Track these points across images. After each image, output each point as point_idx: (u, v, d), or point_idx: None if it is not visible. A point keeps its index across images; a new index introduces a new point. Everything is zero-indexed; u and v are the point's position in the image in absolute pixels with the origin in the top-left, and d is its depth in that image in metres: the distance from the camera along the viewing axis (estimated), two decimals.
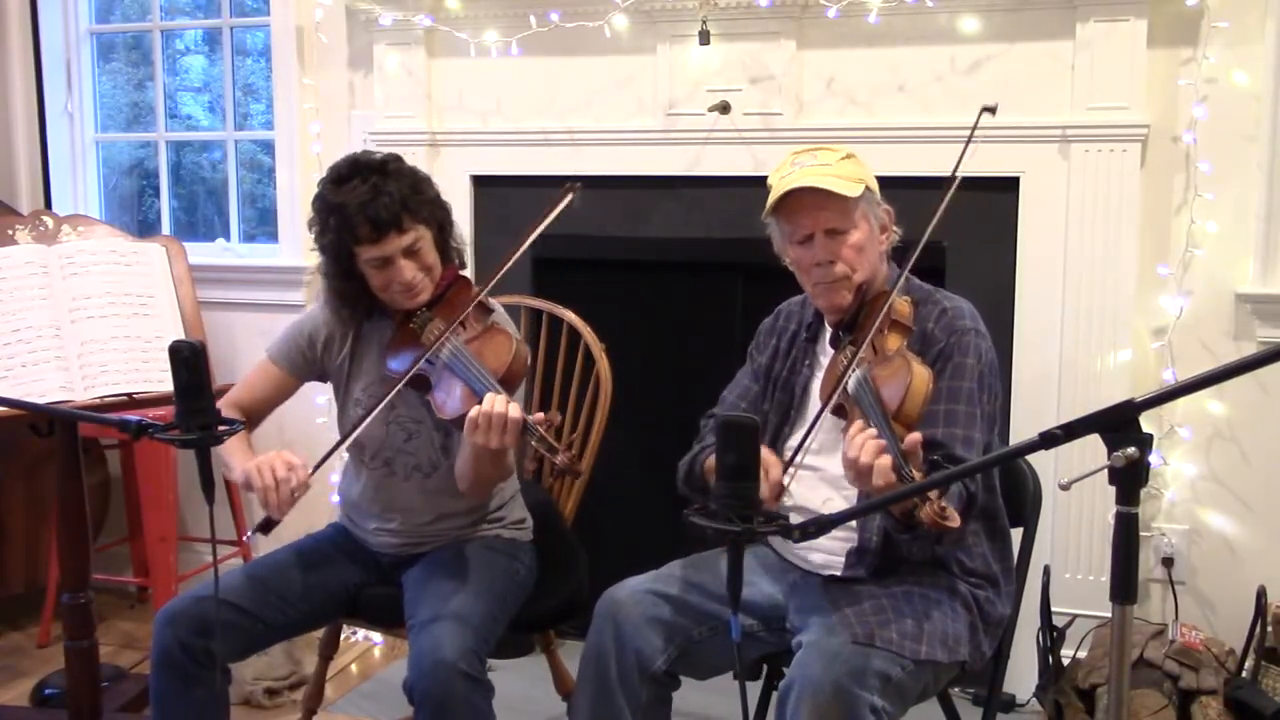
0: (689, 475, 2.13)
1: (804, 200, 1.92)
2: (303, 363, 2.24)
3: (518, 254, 2.11)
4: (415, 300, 2.12)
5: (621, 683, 1.92)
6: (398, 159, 2.14)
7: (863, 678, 1.71)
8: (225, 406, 2.21)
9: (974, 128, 1.95)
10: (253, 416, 2.25)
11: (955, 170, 1.91)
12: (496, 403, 1.90)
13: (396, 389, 2.06)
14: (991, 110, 1.96)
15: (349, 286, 2.15)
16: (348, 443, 2.10)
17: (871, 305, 1.95)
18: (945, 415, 1.88)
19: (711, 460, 2.06)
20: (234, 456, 2.11)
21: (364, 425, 2.07)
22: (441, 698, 1.89)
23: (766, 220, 2.03)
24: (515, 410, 1.90)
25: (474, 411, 1.91)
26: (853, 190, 1.92)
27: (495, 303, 2.23)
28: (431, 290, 2.13)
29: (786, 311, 2.20)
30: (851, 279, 1.95)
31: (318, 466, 2.02)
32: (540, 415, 1.92)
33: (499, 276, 2.12)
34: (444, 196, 2.21)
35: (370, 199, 2.02)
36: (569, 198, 2.10)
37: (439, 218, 2.15)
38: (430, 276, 2.12)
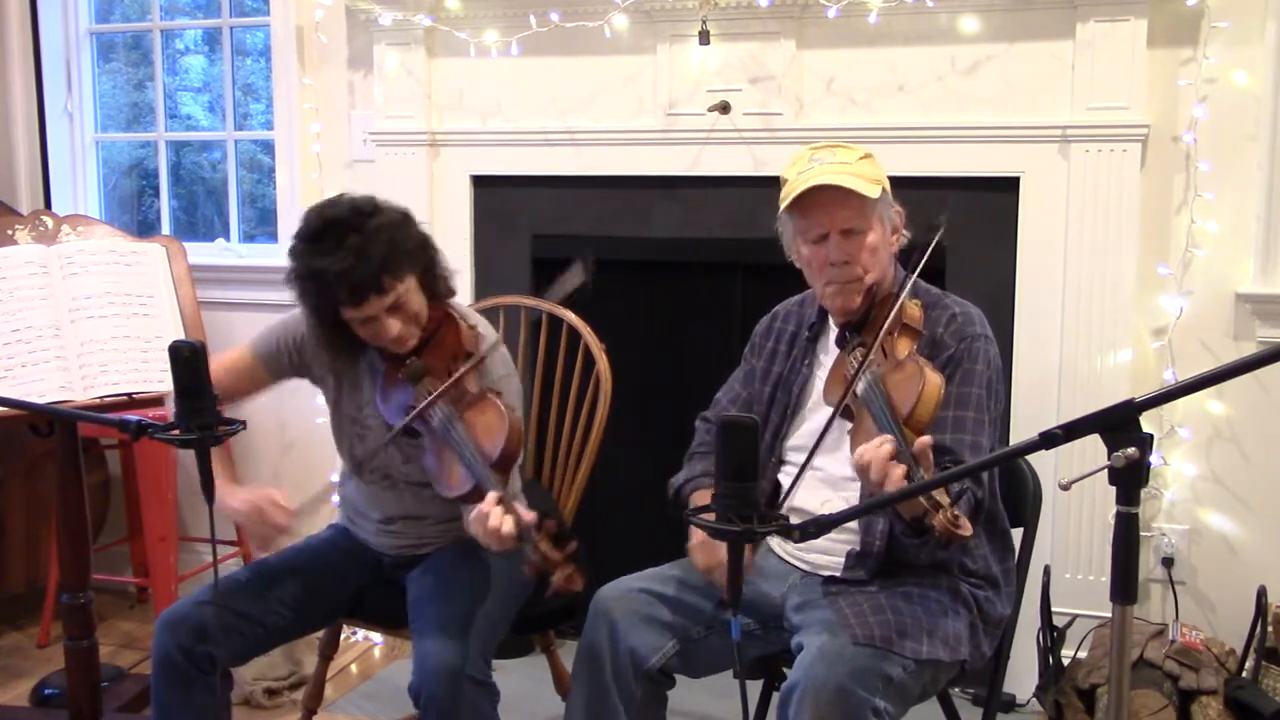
0: (675, 497, 2.12)
1: (822, 198, 1.90)
2: (286, 364, 2.20)
3: (481, 356, 2.06)
4: (403, 348, 2.07)
5: (616, 680, 1.92)
6: (373, 206, 2.01)
7: (865, 678, 1.70)
8: None
9: (930, 245, 1.93)
10: (224, 397, 2.14)
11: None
12: (492, 515, 1.80)
13: (391, 438, 2.05)
14: (938, 229, 1.91)
15: (335, 334, 2.09)
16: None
17: (880, 307, 1.93)
18: (954, 422, 1.88)
19: (697, 495, 2.06)
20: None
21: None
22: (447, 702, 1.88)
23: (780, 215, 2.00)
24: (509, 525, 1.79)
25: (474, 515, 1.84)
26: (872, 191, 1.90)
27: (484, 338, 2.14)
28: (420, 334, 2.08)
29: (784, 313, 2.19)
30: (864, 280, 1.93)
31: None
32: (531, 516, 1.80)
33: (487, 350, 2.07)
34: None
35: (347, 265, 1.93)
36: (578, 280, 2.00)
37: (423, 261, 2.07)
38: (417, 323, 2.06)
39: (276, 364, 2.21)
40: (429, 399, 2.00)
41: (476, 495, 1.87)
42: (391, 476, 2.20)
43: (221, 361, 2.18)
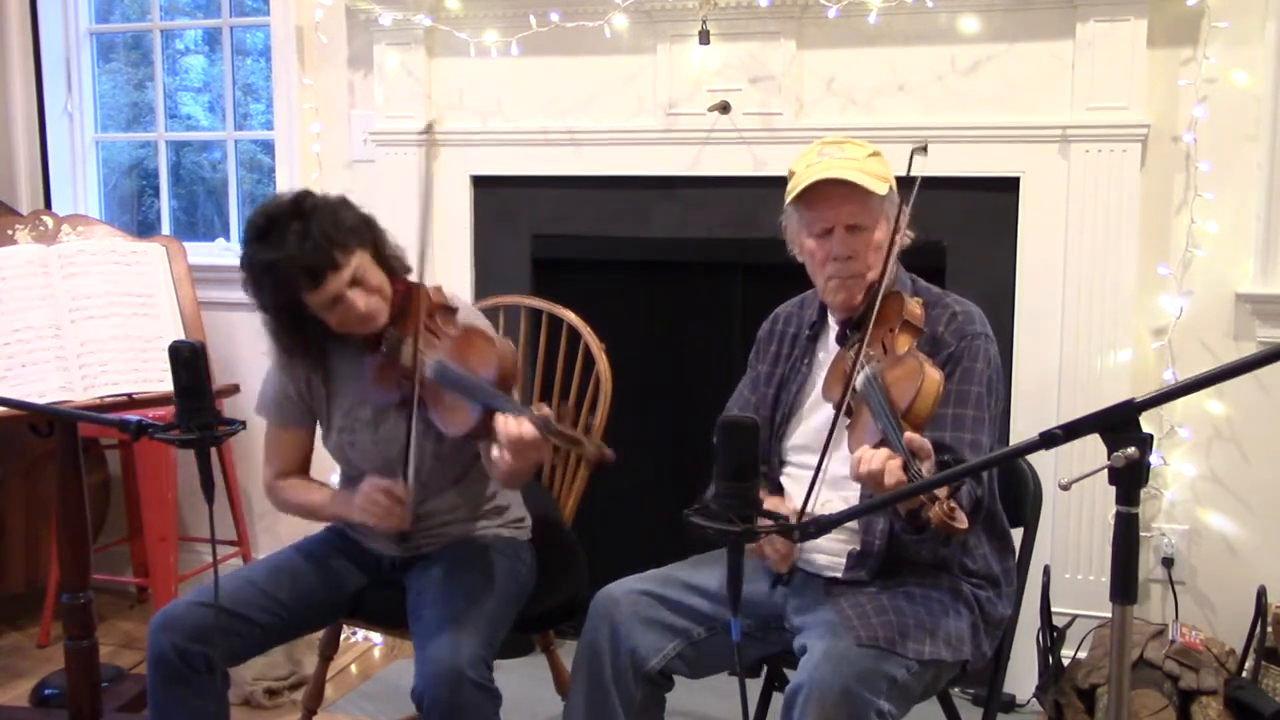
0: None
1: (829, 192, 1.90)
2: (294, 408, 2.21)
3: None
4: (375, 325, 2.08)
5: (616, 682, 1.92)
6: (308, 194, 2.07)
7: (870, 680, 1.71)
8: (278, 484, 2.24)
9: (909, 167, 1.87)
10: (303, 471, 2.27)
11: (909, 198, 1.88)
12: (509, 426, 1.83)
13: (411, 430, 2.03)
14: (923, 151, 1.87)
15: (301, 338, 2.11)
16: (410, 473, 2.08)
17: (882, 303, 1.93)
18: (953, 419, 1.88)
19: None
20: (331, 507, 2.19)
21: (411, 456, 2.07)
22: (451, 706, 1.89)
23: (786, 208, 2.00)
24: (528, 427, 1.81)
25: (496, 448, 1.85)
26: (879, 188, 1.91)
27: (456, 298, 2.20)
28: (388, 309, 2.09)
29: (784, 315, 2.19)
30: (865, 277, 1.94)
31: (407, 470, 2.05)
32: (545, 409, 1.82)
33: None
34: (382, 205, 2.17)
35: (298, 250, 1.97)
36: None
37: (370, 237, 2.09)
38: (382, 296, 2.08)
39: (288, 413, 2.22)
40: (416, 351, 2.01)
41: (488, 422, 1.88)
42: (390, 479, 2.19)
43: (271, 460, 2.25)
